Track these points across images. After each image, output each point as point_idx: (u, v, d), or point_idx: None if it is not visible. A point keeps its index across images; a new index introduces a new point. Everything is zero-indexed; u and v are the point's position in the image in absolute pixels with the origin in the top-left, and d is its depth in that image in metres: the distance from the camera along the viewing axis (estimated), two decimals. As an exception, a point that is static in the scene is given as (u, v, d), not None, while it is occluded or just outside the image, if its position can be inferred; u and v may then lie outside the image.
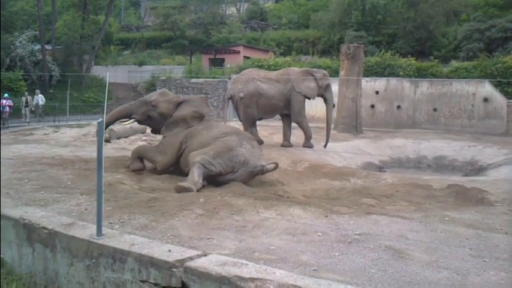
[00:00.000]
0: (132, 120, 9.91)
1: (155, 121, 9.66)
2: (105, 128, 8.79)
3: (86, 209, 6.04)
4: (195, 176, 7.69)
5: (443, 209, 6.66)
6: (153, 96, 9.84)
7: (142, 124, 10.59)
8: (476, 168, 14.19)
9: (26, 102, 22.96)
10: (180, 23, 42.31)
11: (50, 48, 32.84)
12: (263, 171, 8.28)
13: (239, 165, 8.14)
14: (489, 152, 15.01)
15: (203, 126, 9.02)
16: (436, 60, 26.16)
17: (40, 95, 23.91)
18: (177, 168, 8.98)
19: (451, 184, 8.36)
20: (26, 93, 23.72)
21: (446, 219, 6.03)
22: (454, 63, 25.66)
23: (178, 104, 9.51)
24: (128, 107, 9.94)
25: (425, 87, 22.17)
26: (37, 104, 23.58)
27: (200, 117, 9.31)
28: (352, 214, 6.20)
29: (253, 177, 8.39)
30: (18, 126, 19.17)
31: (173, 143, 9.09)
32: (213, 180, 8.21)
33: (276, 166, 8.45)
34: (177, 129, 9.24)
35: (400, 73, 23.81)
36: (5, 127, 19.11)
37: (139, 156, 9.56)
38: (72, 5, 34.70)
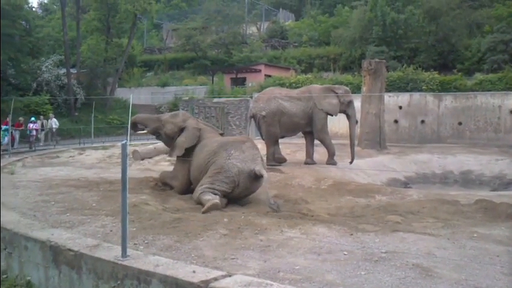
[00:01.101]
0: (145, 131, 10.22)
1: (164, 140, 10.06)
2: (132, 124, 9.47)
3: (111, 231, 6.09)
4: (206, 198, 7.80)
5: (472, 225, 6.53)
6: (166, 115, 10.27)
7: (157, 139, 10.72)
8: (504, 183, 13.90)
9: (42, 126, 23.00)
10: (201, 43, 42.82)
11: (75, 71, 33.50)
12: (257, 174, 8.16)
13: (237, 176, 8.14)
14: (517, 166, 14.69)
15: (199, 146, 9.20)
16: (460, 74, 25.85)
17: (54, 119, 23.76)
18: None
19: (478, 199, 8.19)
20: (42, 117, 23.71)
21: (475, 235, 5.91)
22: (478, 76, 25.32)
23: (182, 129, 9.68)
24: (147, 117, 10.34)
25: (449, 101, 21.92)
26: (51, 128, 23.39)
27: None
28: (377, 232, 6.12)
29: (256, 181, 8.27)
30: (44, 149, 19.47)
31: (182, 166, 9.41)
32: (233, 201, 8.26)
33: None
34: (177, 151, 9.47)
35: (423, 87, 23.59)
36: (32, 150, 19.48)
37: (163, 182, 9.96)
38: (96, 29, 35.34)
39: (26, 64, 29.03)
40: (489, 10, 34.64)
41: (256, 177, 8.19)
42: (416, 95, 22.57)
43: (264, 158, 13.37)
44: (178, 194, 9.24)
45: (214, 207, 7.45)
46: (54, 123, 23.51)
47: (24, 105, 26.53)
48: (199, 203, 7.93)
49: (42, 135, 22.89)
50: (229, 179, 8.12)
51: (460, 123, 21.61)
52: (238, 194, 8.29)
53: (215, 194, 7.97)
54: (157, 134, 10.05)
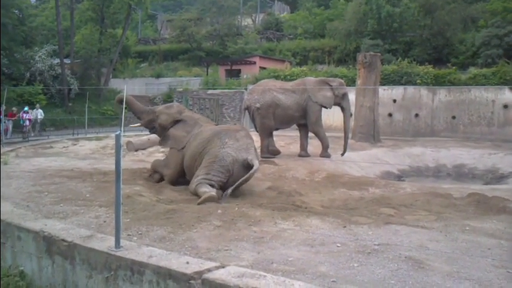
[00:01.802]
0: (138, 124, 10.36)
1: (157, 131, 10.06)
2: (121, 101, 9.23)
3: (104, 221, 6.09)
4: (203, 190, 7.81)
5: (464, 218, 6.58)
6: (159, 107, 10.35)
7: (151, 133, 10.71)
8: (497, 177, 13.97)
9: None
10: (196, 35, 42.68)
11: (69, 62, 33.32)
12: (249, 164, 8.17)
13: (231, 165, 8.18)
14: (510, 160, 14.76)
15: (193, 135, 9.23)
16: (454, 68, 25.87)
17: (39, 110, 23.22)
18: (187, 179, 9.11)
19: (471, 193, 8.25)
20: (27, 107, 22.84)
21: (467, 228, 5.95)
22: (473, 70, 25.37)
23: (176, 122, 9.73)
24: (141, 108, 10.42)
25: (443, 94, 21.98)
26: (36, 118, 22.66)
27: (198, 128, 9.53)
28: (371, 224, 6.15)
29: (249, 169, 8.21)
30: (37, 139, 19.35)
31: (175, 155, 9.45)
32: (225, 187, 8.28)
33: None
34: (170, 143, 9.61)
35: (418, 81, 23.63)
36: (25, 140, 19.40)
37: (155, 170, 9.95)
38: (90, 19, 35.16)
39: (19, 54, 28.85)
40: (484, 4, 34.68)
41: (249, 167, 8.18)
42: (410, 89, 22.63)
43: (258, 150, 13.48)
44: (170, 184, 9.27)
45: (210, 199, 7.46)
46: (39, 113, 23.04)
47: (18, 95, 26.40)
48: (196, 194, 7.94)
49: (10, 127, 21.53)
50: (224, 168, 8.15)
51: (453, 117, 21.69)
52: (232, 183, 8.27)
53: (212, 186, 7.98)
54: (151, 126, 10.07)
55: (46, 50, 31.92)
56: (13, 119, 20.86)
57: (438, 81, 23.59)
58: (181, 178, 9.33)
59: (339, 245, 5.16)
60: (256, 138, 14.31)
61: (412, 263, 4.52)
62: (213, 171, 8.13)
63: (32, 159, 13.01)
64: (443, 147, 17.00)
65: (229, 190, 7.80)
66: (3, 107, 18.96)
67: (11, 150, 14.17)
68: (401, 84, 23.51)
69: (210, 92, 27.70)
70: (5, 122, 19.12)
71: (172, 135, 9.57)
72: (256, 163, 8.16)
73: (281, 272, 4.25)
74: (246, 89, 24.86)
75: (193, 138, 9.12)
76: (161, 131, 9.89)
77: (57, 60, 31.71)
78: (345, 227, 6.02)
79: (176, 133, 9.54)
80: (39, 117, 22.89)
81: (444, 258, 4.72)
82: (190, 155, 8.86)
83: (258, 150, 13.35)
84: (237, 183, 7.97)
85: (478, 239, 5.49)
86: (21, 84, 28.16)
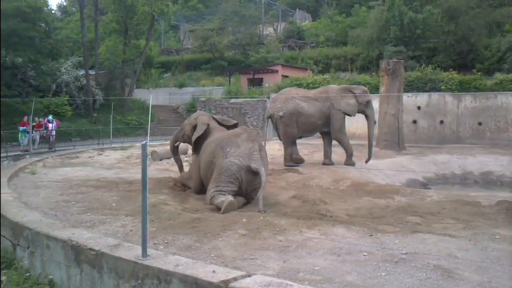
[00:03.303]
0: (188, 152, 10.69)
1: (188, 142, 10.36)
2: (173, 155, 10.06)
3: (131, 230, 6.15)
4: (219, 200, 7.82)
5: (493, 226, 6.45)
6: (185, 120, 10.75)
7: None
8: (526, 184, 13.70)
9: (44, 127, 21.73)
10: (218, 44, 42.97)
11: (94, 73, 33.88)
12: (253, 171, 8.11)
13: (238, 173, 8.14)
14: (539, 166, 14.46)
15: (204, 147, 9.21)
16: (479, 73, 25.52)
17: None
18: None
19: (500, 200, 8.08)
20: (51, 117, 22.67)
21: (497, 237, 5.83)
22: (498, 76, 24.97)
23: (195, 127, 9.94)
24: (175, 134, 10.83)
25: (468, 101, 21.65)
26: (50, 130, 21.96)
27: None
28: (397, 233, 6.08)
29: (256, 174, 8.12)
30: (64, 149, 19.65)
31: (194, 166, 9.60)
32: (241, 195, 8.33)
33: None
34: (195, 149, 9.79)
35: (442, 87, 23.35)
36: (52, 150, 19.75)
37: (183, 183, 10.12)
38: (114, 31, 35.72)
39: (45, 66, 29.45)
40: (509, 9, 34.16)
41: (256, 172, 8.13)
42: (435, 95, 22.35)
43: (281, 159, 13.46)
44: (195, 194, 9.29)
45: (230, 206, 7.53)
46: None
47: (44, 106, 26.90)
48: (214, 205, 7.98)
49: (37, 137, 21.38)
50: (232, 178, 8.11)
51: (480, 124, 21.33)
52: (246, 190, 8.30)
53: (224, 196, 7.98)
54: (183, 140, 10.53)
55: (71, 62, 32.58)
56: (40, 129, 21.23)
57: (463, 88, 23.29)
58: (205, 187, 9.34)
59: (365, 253, 5.11)
60: (279, 146, 14.37)
61: (441, 272, 4.45)
62: (222, 183, 8.11)
63: (59, 169, 13.23)
64: (469, 154, 16.72)
65: (261, 206, 7.63)
66: (31, 118, 19.32)
67: (39, 160, 14.41)
68: (426, 91, 23.26)
69: (232, 101, 27.82)
70: (32, 133, 19.47)
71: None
72: (261, 170, 8.03)
73: (307, 281, 4.22)
74: (268, 98, 24.88)
75: (204, 148, 9.14)
76: (189, 140, 10.15)
77: (82, 72, 32.29)
78: (371, 235, 5.96)
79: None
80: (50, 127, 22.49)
81: (474, 267, 4.63)
82: (203, 165, 8.90)
83: (282, 159, 13.42)
84: (260, 197, 7.82)
85: (508, 247, 5.38)
86: (47, 96, 28.75)
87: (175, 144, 10.82)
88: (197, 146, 9.60)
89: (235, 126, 10.23)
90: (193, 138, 9.64)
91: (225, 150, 8.29)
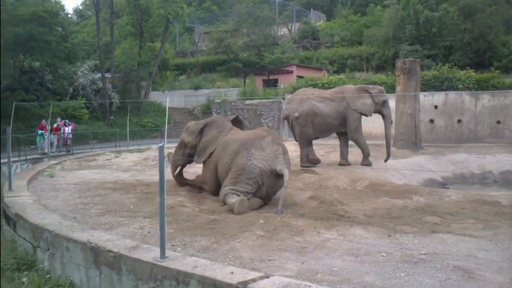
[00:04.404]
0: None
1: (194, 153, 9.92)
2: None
3: (149, 232, 6.18)
4: (231, 200, 7.85)
5: (514, 226, 6.36)
6: (181, 136, 10.28)
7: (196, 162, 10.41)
8: (547, 183, 13.48)
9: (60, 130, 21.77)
10: (233, 46, 43.06)
11: (110, 76, 34.16)
12: (277, 173, 8.08)
13: (260, 177, 8.12)
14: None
15: (221, 147, 9.05)
16: (497, 71, 25.18)
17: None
18: None
19: (521, 200, 7.97)
20: (59, 119, 22.56)
21: (518, 237, 5.75)
22: (517, 73, 24.67)
23: (201, 130, 9.77)
24: (173, 159, 10.22)
25: (486, 99, 21.38)
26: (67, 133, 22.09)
27: (224, 134, 9.43)
28: (416, 233, 6.03)
29: (280, 178, 8.13)
30: (81, 152, 19.83)
31: (209, 168, 9.34)
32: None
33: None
34: (205, 152, 9.44)
35: (459, 86, 23.08)
36: (70, 153, 19.95)
37: (200, 187, 9.94)
38: (130, 34, 35.98)
39: (62, 69, 29.81)
40: (527, 6, 33.72)
41: (280, 175, 8.13)
42: (452, 94, 22.11)
43: (298, 159, 13.42)
44: (212, 195, 9.26)
45: (242, 206, 7.57)
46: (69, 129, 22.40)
47: (62, 110, 27.21)
48: (225, 204, 8.02)
49: (54, 140, 21.18)
50: (251, 180, 8.11)
51: (498, 122, 21.03)
52: (266, 193, 8.31)
53: (238, 196, 7.97)
54: (191, 155, 9.95)
55: (88, 65, 32.94)
56: (58, 133, 21.46)
57: (481, 86, 22.99)
58: None
59: (384, 254, 5.08)
60: (295, 147, 14.34)
61: (461, 273, 4.40)
62: (241, 183, 8.12)
63: (77, 171, 13.36)
64: (488, 153, 16.52)
65: (280, 208, 7.61)
66: (49, 121, 19.55)
67: (57, 163, 14.57)
68: (443, 90, 23.01)
69: (248, 102, 27.82)
70: (50, 137, 19.69)
71: (209, 140, 9.58)
72: (285, 172, 8.04)
73: (326, 282, 4.21)
74: (283, 99, 24.84)
75: (221, 148, 9.02)
76: (194, 150, 9.88)
77: (98, 75, 32.59)
78: (389, 236, 5.92)
79: (199, 146, 9.65)
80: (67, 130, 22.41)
81: (495, 268, 4.58)
82: (222, 167, 8.77)
83: (298, 160, 13.39)
84: (280, 199, 7.83)
85: (530, 247, 5.30)
86: (64, 99, 29.07)
87: (178, 170, 10.31)
88: (205, 152, 9.46)
89: (237, 119, 10.25)
90: (208, 151, 9.36)
91: (250, 152, 8.26)
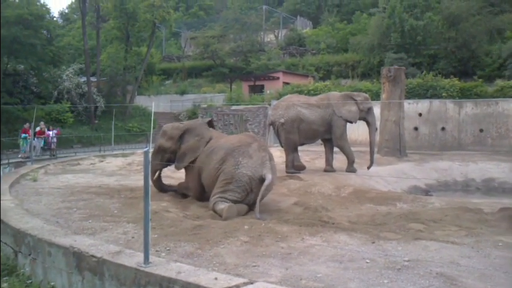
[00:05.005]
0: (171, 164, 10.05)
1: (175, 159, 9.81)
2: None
3: (132, 237, 6.14)
4: (220, 207, 7.81)
5: (496, 233, 6.43)
6: (158, 141, 10.10)
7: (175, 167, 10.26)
8: (528, 190, 13.66)
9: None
10: (219, 51, 43.07)
11: (95, 80, 33.97)
12: (264, 180, 8.02)
13: (248, 185, 8.08)
14: (541, 173, 14.43)
15: (205, 154, 8.96)
16: (480, 80, 25.50)
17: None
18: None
19: (502, 207, 8.05)
20: (42, 122, 21.84)
21: (500, 244, 5.81)
22: (499, 82, 24.92)
23: (181, 136, 9.66)
24: (152, 165, 9.75)
25: (470, 107, 21.66)
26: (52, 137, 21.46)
27: (205, 141, 9.34)
28: (400, 240, 6.07)
29: (267, 185, 8.06)
30: (65, 156, 19.64)
31: (192, 175, 9.29)
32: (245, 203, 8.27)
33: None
34: (186, 159, 9.37)
35: (443, 94, 23.34)
36: (53, 157, 19.74)
37: (183, 193, 9.87)
38: (116, 38, 35.85)
39: (47, 73, 29.52)
40: (510, 15, 34.29)
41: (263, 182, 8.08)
42: (436, 102, 22.36)
43: (283, 166, 13.44)
44: (196, 200, 9.21)
45: (230, 212, 7.55)
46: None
47: (46, 113, 26.95)
48: (215, 212, 7.96)
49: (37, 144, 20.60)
50: (240, 188, 8.07)
51: (481, 130, 21.32)
52: (254, 199, 8.23)
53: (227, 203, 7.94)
54: (170, 159, 9.83)
55: (73, 69, 32.73)
56: (42, 136, 21.22)
57: (464, 94, 23.27)
58: (207, 193, 9.27)
59: (368, 261, 5.10)
60: (281, 153, 14.37)
61: (444, 280, 4.44)
62: (230, 192, 8.07)
63: (61, 175, 13.22)
64: (471, 161, 16.70)
65: (257, 213, 7.60)
66: (32, 125, 19.34)
67: (40, 167, 14.40)
68: (427, 98, 23.26)
69: (234, 108, 27.82)
70: (34, 140, 19.47)
71: (187, 148, 9.48)
72: (268, 177, 7.99)
73: (310, 289, 4.21)
74: (269, 105, 24.89)
75: (205, 155, 8.91)
76: (174, 156, 9.77)
77: (83, 79, 32.42)
78: (373, 242, 5.95)
79: (179, 152, 9.57)
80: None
81: (477, 274, 4.62)
82: (207, 175, 8.67)
83: (283, 166, 13.40)
84: (257, 203, 7.80)
85: (511, 254, 5.36)
86: (49, 103, 28.82)
87: (157, 175, 10.11)
88: (187, 158, 9.37)
89: (211, 122, 10.15)
90: (188, 159, 9.32)
91: (237, 160, 8.18)
